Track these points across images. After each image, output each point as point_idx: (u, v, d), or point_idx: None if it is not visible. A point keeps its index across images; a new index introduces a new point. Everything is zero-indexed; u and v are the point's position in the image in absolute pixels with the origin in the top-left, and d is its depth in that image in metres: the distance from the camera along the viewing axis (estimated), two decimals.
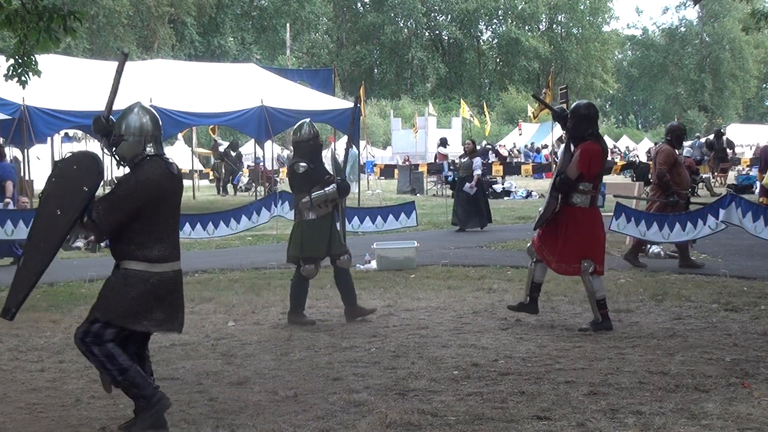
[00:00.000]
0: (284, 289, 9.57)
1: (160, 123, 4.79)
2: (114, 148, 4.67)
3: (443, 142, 30.67)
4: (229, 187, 28.73)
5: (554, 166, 21.75)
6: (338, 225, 8.17)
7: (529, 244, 7.78)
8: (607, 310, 7.29)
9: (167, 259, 4.67)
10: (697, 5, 75.47)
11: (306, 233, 7.80)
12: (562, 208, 7.23)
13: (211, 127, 29.48)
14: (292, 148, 8.45)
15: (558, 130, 31.44)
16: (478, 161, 16.04)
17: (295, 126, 8.10)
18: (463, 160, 16.44)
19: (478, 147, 17.95)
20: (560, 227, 7.24)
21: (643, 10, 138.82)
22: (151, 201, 4.58)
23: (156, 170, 4.62)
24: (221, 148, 28.97)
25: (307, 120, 8.17)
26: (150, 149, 4.66)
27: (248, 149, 37.26)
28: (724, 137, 29.27)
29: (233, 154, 28.83)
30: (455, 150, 42.40)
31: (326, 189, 7.76)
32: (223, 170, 28.43)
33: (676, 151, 11.01)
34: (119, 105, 16.85)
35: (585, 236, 7.20)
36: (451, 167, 26.45)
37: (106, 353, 4.57)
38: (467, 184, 15.52)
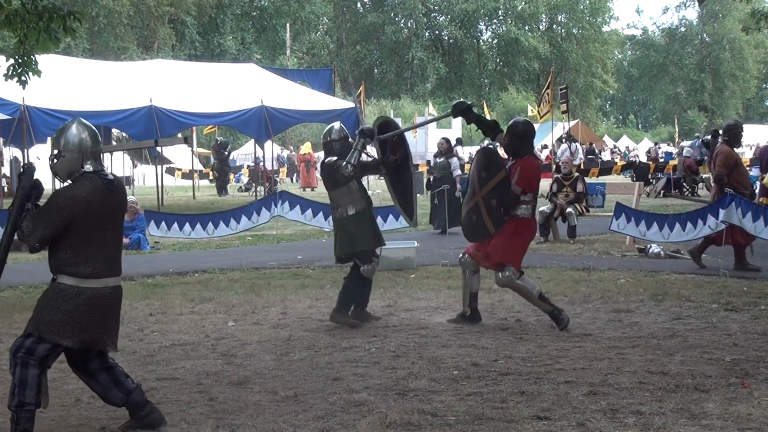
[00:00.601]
0: (284, 289, 9.59)
1: (99, 138, 4.74)
2: (51, 164, 4.63)
3: (459, 142, 30.51)
4: (229, 186, 28.71)
5: (554, 166, 21.78)
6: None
7: (462, 257, 7.64)
8: (548, 300, 7.38)
9: (100, 275, 4.59)
10: (699, 5, 75.45)
11: (353, 228, 7.60)
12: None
13: (210, 127, 29.50)
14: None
15: (558, 130, 31.49)
16: (455, 162, 15.44)
17: (325, 130, 8.01)
18: (438, 161, 15.68)
19: (480, 145, 17.65)
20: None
21: (643, 10, 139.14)
22: (80, 218, 4.51)
23: (87, 188, 4.55)
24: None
25: (338, 123, 8.11)
26: (89, 166, 4.59)
27: (248, 149, 37.32)
28: (720, 137, 28.55)
29: (225, 153, 28.62)
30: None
31: (355, 146, 7.46)
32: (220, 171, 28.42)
33: (735, 150, 10.51)
34: (121, 104, 16.77)
35: (515, 243, 7.34)
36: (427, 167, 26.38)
37: (23, 378, 4.49)
38: (458, 187, 14.88)
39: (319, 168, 8.31)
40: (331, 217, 8.00)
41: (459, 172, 15.36)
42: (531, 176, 7.34)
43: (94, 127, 4.77)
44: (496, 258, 7.30)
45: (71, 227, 4.52)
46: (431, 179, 15.96)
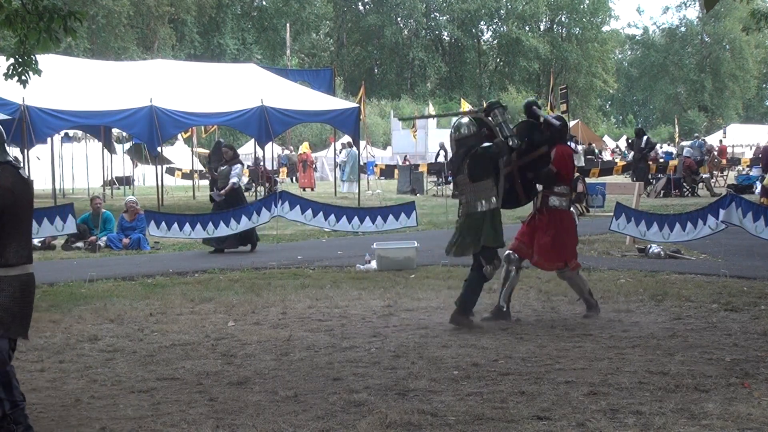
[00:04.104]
0: (284, 289, 9.58)
1: (3, 134, 4.77)
2: None
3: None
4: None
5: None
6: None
7: (508, 252, 7.79)
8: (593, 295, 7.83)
9: (27, 262, 4.63)
10: (698, 4, 75.49)
11: (497, 220, 7.39)
12: (546, 210, 7.72)
13: (211, 128, 29.49)
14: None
15: None
16: (237, 169, 13.90)
17: (453, 126, 7.79)
18: (221, 168, 14.01)
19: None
20: (543, 228, 7.68)
21: (644, 9, 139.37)
22: (9, 207, 4.53)
23: (9, 177, 4.59)
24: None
25: (465, 119, 7.78)
26: None
27: (248, 149, 37.32)
28: (645, 137, 25.65)
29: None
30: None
31: (500, 122, 7.44)
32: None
33: None
34: (121, 104, 16.74)
35: (570, 239, 7.83)
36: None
37: (5, 381, 4.52)
38: (215, 191, 13.65)
39: (451, 162, 7.95)
40: (461, 211, 7.57)
41: (235, 179, 13.81)
42: (565, 161, 7.70)
43: None
44: (559, 258, 7.66)
45: (2, 217, 4.54)
46: (216, 188, 14.11)
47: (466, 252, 7.51)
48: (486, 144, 7.47)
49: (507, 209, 7.77)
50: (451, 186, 25.14)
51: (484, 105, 7.86)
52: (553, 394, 5.27)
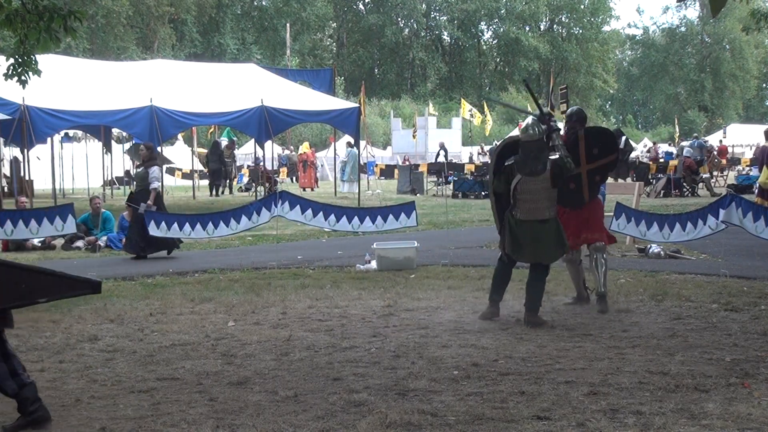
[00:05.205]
0: (284, 289, 9.58)
1: None
2: None
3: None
4: (230, 187, 28.66)
5: None
6: None
7: (570, 253, 8.23)
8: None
9: None
10: (698, 4, 75.53)
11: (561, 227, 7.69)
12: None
13: (211, 128, 29.50)
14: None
15: None
16: (155, 171, 12.88)
17: (525, 126, 7.68)
18: (138, 171, 13.25)
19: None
20: (585, 212, 8.20)
21: (644, 9, 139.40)
22: None
23: None
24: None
25: (530, 120, 7.71)
26: None
27: (248, 149, 37.34)
28: (623, 137, 24.65)
29: (220, 153, 28.11)
30: (454, 149, 42.47)
31: (559, 144, 7.67)
32: (226, 170, 28.34)
33: None
34: (121, 104, 16.74)
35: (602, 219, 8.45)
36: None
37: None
38: (142, 204, 12.47)
39: (523, 163, 7.91)
40: (543, 218, 7.55)
41: (156, 184, 12.87)
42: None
43: None
44: (601, 233, 8.20)
45: None
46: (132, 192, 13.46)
47: (556, 258, 7.82)
48: (568, 159, 7.57)
49: (569, 209, 8.09)
50: (451, 186, 25.23)
51: (545, 110, 7.78)
52: (553, 394, 5.27)
